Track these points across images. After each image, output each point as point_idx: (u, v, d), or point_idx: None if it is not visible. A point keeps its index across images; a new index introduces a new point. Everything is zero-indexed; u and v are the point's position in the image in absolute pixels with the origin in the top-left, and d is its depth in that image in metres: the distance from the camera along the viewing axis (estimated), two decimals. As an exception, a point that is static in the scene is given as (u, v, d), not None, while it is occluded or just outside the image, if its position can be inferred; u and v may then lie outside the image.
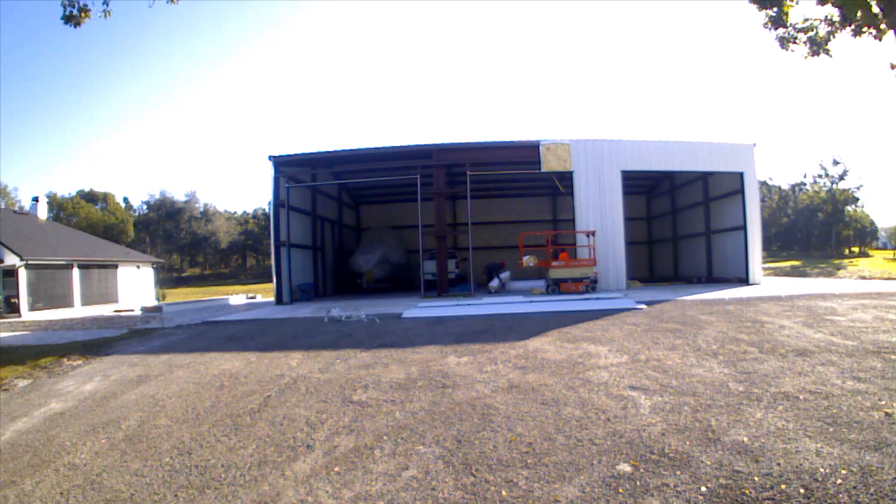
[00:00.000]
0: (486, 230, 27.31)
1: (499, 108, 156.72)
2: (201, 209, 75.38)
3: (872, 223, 74.55)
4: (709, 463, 4.05)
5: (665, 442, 4.51)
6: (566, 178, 20.14)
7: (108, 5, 5.31)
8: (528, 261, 18.34)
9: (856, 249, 71.69)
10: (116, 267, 29.12)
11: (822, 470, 3.84)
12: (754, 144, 20.24)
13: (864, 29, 7.17)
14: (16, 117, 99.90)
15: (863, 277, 26.67)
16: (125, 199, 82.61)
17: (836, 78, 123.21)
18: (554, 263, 17.61)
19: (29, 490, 4.46)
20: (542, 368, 7.08)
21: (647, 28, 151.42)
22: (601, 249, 19.00)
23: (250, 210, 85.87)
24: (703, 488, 3.68)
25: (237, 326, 12.92)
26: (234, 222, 79.49)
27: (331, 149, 20.40)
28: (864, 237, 73.50)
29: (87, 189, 77.20)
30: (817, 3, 7.22)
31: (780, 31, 8.07)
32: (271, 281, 20.73)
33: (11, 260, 22.24)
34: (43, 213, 33.15)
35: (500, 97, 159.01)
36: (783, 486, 3.63)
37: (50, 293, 26.17)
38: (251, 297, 29.72)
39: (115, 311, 22.84)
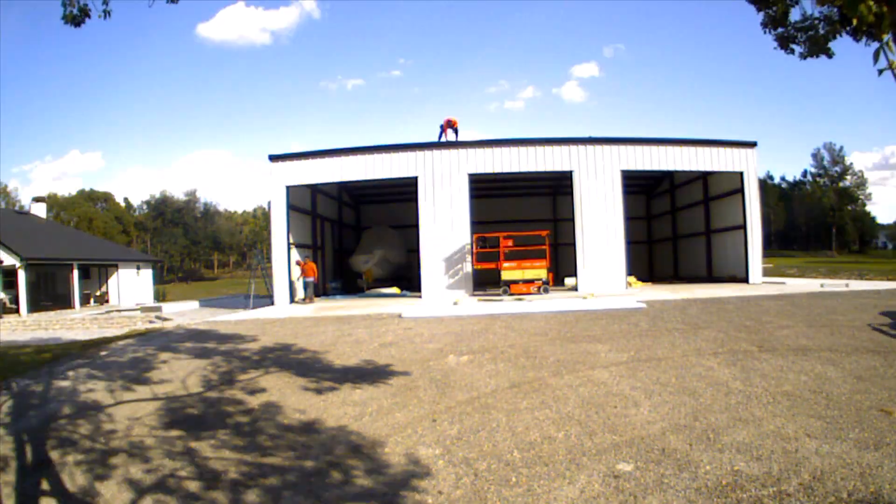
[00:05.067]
0: (485, 230, 27.26)
1: (500, 105, 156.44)
2: (201, 209, 75.35)
3: (872, 221, 74.57)
4: (709, 462, 4.06)
5: (665, 441, 4.51)
6: (566, 177, 20.13)
7: (107, 5, 5.28)
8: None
9: (855, 248, 71.73)
10: (116, 266, 29.12)
11: (821, 468, 3.84)
12: (754, 144, 20.23)
13: (864, 28, 7.15)
14: (16, 118, 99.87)
15: (861, 276, 26.67)
16: (125, 200, 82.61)
17: (836, 78, 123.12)
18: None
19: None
20: (542, 367, 7.08)
21: (648, 28, 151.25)
22: (601, 249, 18.98)
23: (250, 209, 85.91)
24: (704, 487, 3.68)
25: (237, 326, 12.92)
26: (234, 221, 79.46)
27: (330, 147, 20.35)
28: (864, 236, 73.54)
29: (87, 189, 77.18)
30: (816, 3, 7.20)
31: (780, 30, 8.05)
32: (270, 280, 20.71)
33: (11, 260, 22.23)
34: (43, 212, 33.15)
35: (501, 96, 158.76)
36: (783, 486, 3.63)
37: (50, 293, 26.18)
38: (251, 297, 29.72)
39: (116, 310, 22.85)
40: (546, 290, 18.03)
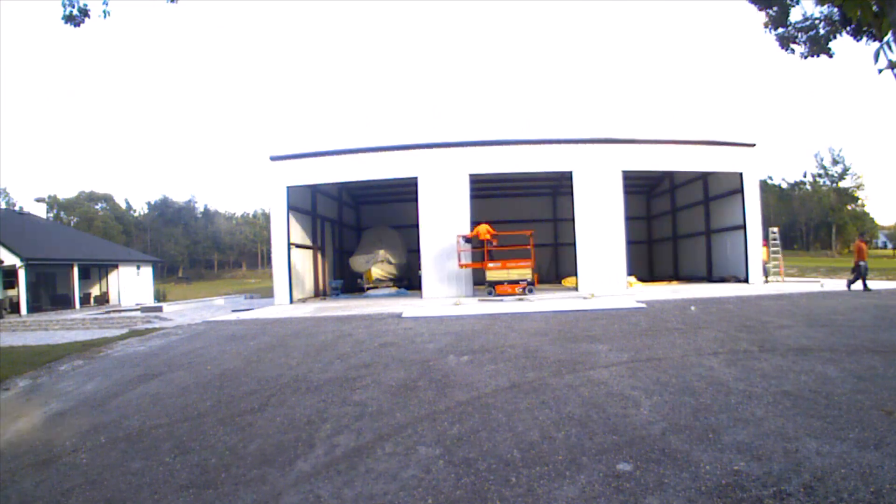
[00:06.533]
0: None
1: (500, 106, 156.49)
2: (201, 210, 75.43)
3: (872, 222, 74.54)
4: (709, 462, 4.06)
5: (665, 441, 4.51)
6: (566, 177, 20.14)
7: (107, 5, 5.30)
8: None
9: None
10: (117, 267, 29.12)
11: (822, 468, 3.84)
12: (754, 144, 20.26)
13: (864, 28, 7.16)
14: (17, 118, 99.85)
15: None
16: (126, 201, 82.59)
17: (836, 78, 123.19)
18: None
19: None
20: (542, 367, 7.08)
21: (647, 28, 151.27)
22: (601, 249, 19.01)
23: (250, 210, 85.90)
24: (704, 487, 3.68)
25: (237, 326, 12.92)
26: (234, 222, 79.52)
27: (331, 148, 20.38)
28: (864, 236, 73.48)
29: (88, 190, 77.19)
30: (816, 3, 7.22)
31: (780, 30, 8.07)
32: (271, 281, 20.72)
33: (11, 260, 22.23)
34: (43, 213, 33.18)
35: (502, 96, 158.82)
36: (784, 486, 3.63)
37: (50, 293, 26.18)
38: (250, 297, 29.77)
39: (116, 310, 22.85)
40: (531, 291, 17.90)
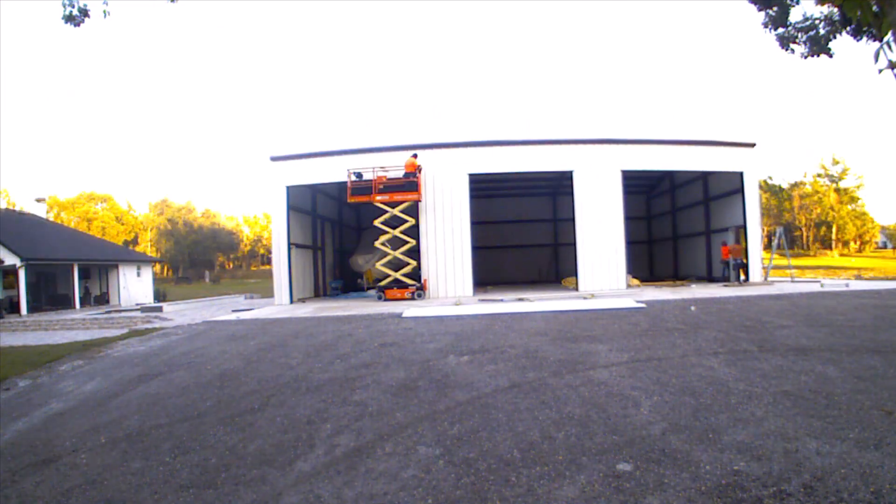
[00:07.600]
0: (485, 230, 27.30)
1: (500, 106, 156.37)
2: (201, 210, 75.50)
3: (872, 221, 74.52)
4: (709, 462, 4.06)
5: (665, 441, 4.51)
6: (566, 177, 20.14)
7: (107, 5, 5.31)
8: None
9: (855, 248, 71.76)
10: (117, 266, 29.11)
11: (822, 468, 3.84)
12: (754, 144, 20.26)
13: (864, 28, 7.17)
14: (17, 118, 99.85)
15: (859, 277, 26.70)
16: (126, 202, 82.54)
17: (836, 78, 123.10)
18: None
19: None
20: (542, 367, 7.08)
21: (647, 28, 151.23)
22: (601, 249, 19.02)
23: (250, 211, 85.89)
24: (704, 487, 3.68)
25: (237, 326, 12.92)
26: (234, 223, 79.59)
27: (331, 148, 20.36)
28: (864, 236, 73.51)
29: (88, 191, 77.17)
30: (816, 3, 7.22)
31: (780, 30, 8.07)
32: (271, 280, 20.72)
33: (11, 260, 22.22)
34: (43, 213, 33.18)
35: (502, 96, 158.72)
36: (784, 486, 3.63)
37: (50, 293, 26.18)
38: (250, 297, 29.76)
39: (116, 310, 22.85)
40: (420, 296, 17.95)
